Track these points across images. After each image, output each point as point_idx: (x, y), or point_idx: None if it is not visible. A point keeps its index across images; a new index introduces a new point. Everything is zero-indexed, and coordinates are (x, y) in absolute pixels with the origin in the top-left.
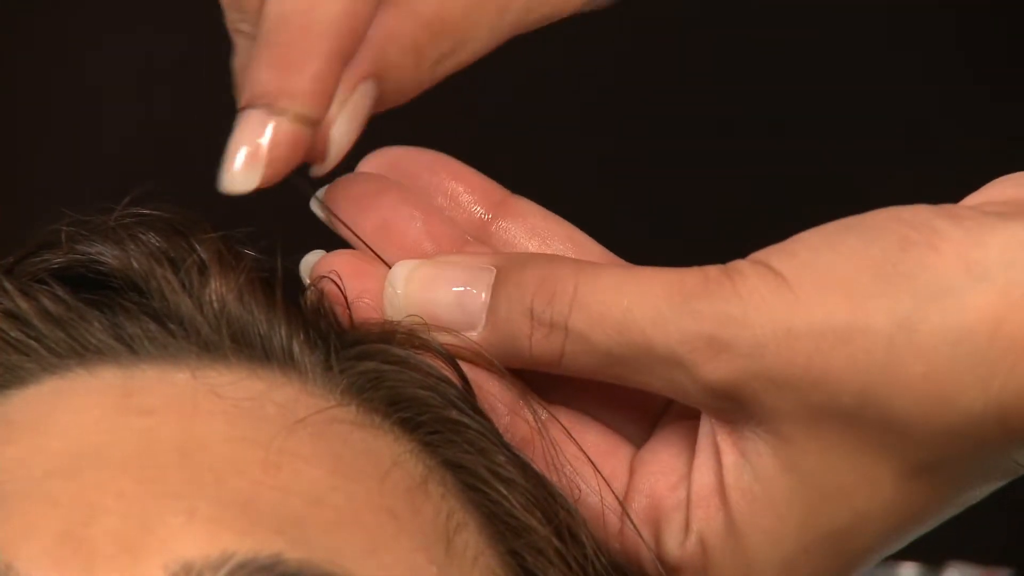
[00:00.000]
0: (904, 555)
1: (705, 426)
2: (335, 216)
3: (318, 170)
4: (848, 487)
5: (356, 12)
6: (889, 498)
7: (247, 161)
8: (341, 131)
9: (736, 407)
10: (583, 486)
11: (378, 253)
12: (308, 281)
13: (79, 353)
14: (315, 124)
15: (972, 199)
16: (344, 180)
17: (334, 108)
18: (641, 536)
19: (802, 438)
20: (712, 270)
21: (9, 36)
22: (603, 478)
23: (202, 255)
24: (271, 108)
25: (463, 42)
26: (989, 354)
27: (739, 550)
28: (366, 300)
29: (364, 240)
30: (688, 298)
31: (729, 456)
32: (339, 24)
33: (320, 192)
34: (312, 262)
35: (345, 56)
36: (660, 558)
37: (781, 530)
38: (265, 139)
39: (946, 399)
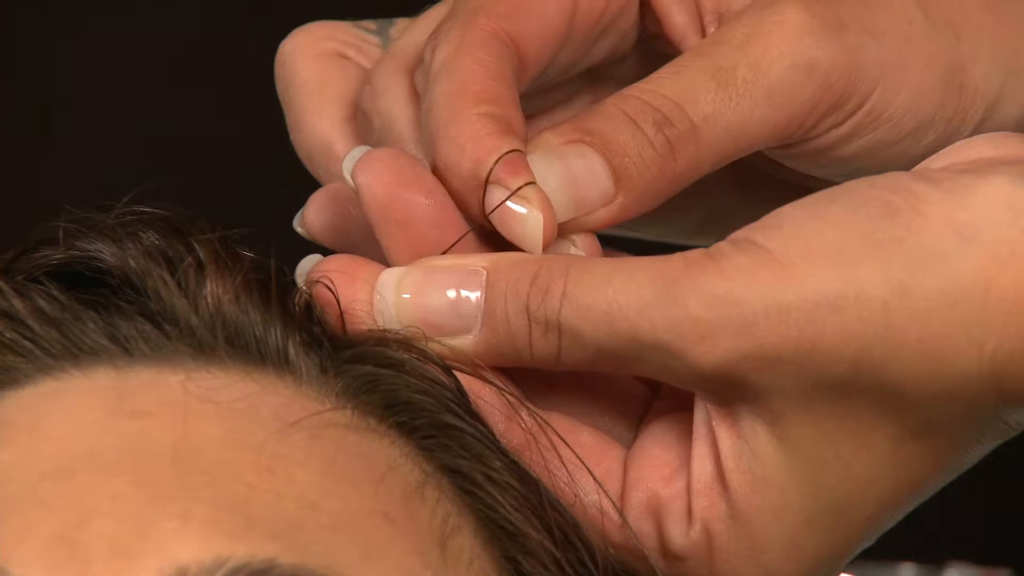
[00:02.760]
0: (904, 555)
1: (700, 415)
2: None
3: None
4: (845, 454)
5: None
6: (887, 462)
7: (534, 226)
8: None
9: (729, 388)
10: (579, 490)
11: (389, 247)
12: (303, 285)
13: (73, 354)
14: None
15: (937, 161)
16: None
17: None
18: (634, 535)
19: (796, 411)
20: (693, 253)
21: (10, 34)
22: (597, 480)
23: (199, 255)
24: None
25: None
26: (982, 315)
27: (745, 533)
28: (359, 308)
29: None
30: (671, 284)
31: (726, 441)
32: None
33: (351, 159)
34: (307, 268)
35: (493, 102)
36: (666, 549)
37: (784, 507)
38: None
39: (941, 361)
